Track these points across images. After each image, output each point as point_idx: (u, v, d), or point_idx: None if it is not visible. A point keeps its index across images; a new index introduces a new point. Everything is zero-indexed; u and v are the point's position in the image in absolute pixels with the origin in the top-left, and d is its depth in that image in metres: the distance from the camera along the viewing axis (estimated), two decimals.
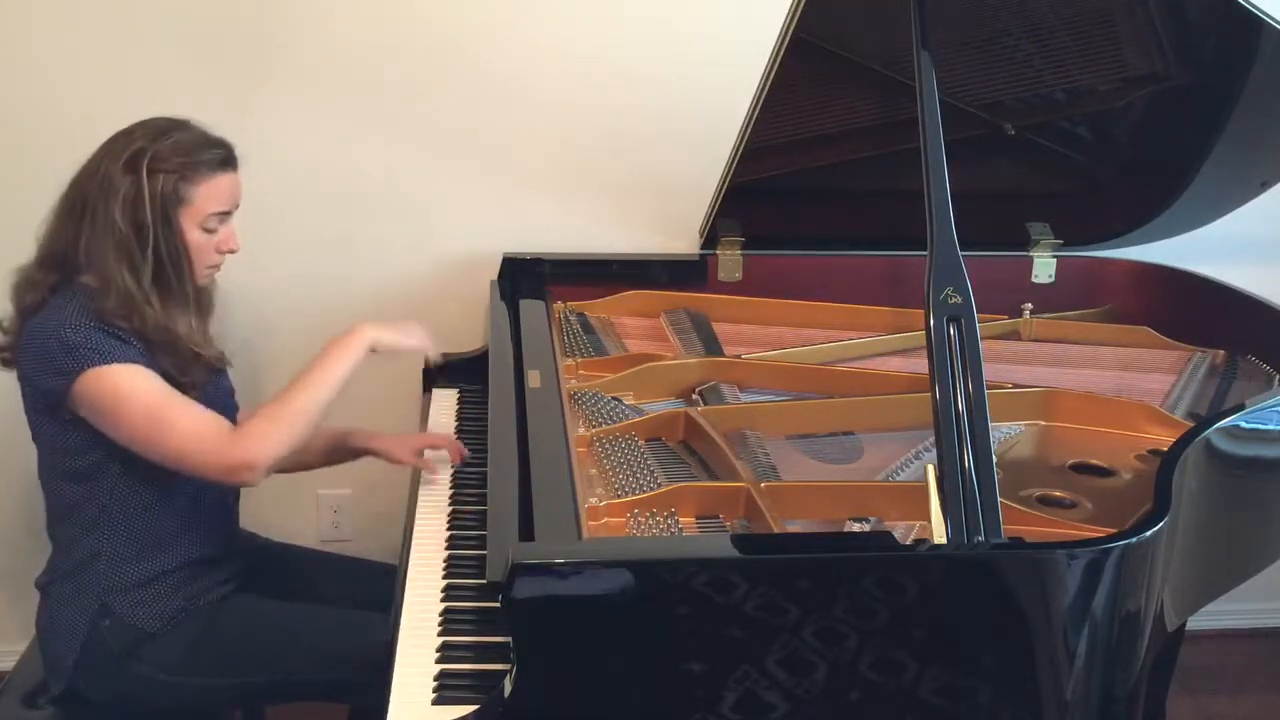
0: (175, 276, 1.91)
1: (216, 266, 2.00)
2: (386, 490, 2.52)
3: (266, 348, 2.72)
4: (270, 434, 1.87)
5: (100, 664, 1.94)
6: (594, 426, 2.02)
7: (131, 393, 1.84)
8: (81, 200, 1.89)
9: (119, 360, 1.84)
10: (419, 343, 2.11)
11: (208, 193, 1.91)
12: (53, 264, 1.92)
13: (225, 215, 1.96)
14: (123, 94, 2.56)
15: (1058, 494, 1.93)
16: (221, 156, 1.94)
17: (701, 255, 2.64)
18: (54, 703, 1.96)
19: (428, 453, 2.18)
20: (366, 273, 2.74)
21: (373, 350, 2.02)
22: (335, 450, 2.27)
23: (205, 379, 1.98)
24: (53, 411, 1.89)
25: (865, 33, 2.21)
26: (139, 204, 1.86)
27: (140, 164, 1.87)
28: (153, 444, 1.86)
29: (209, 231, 1.94)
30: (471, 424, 2.37)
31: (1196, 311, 2.56)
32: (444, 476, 2.18)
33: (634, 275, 2.62)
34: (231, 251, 2.00)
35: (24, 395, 1.93)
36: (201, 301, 2.00)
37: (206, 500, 2.02)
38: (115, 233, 1.86)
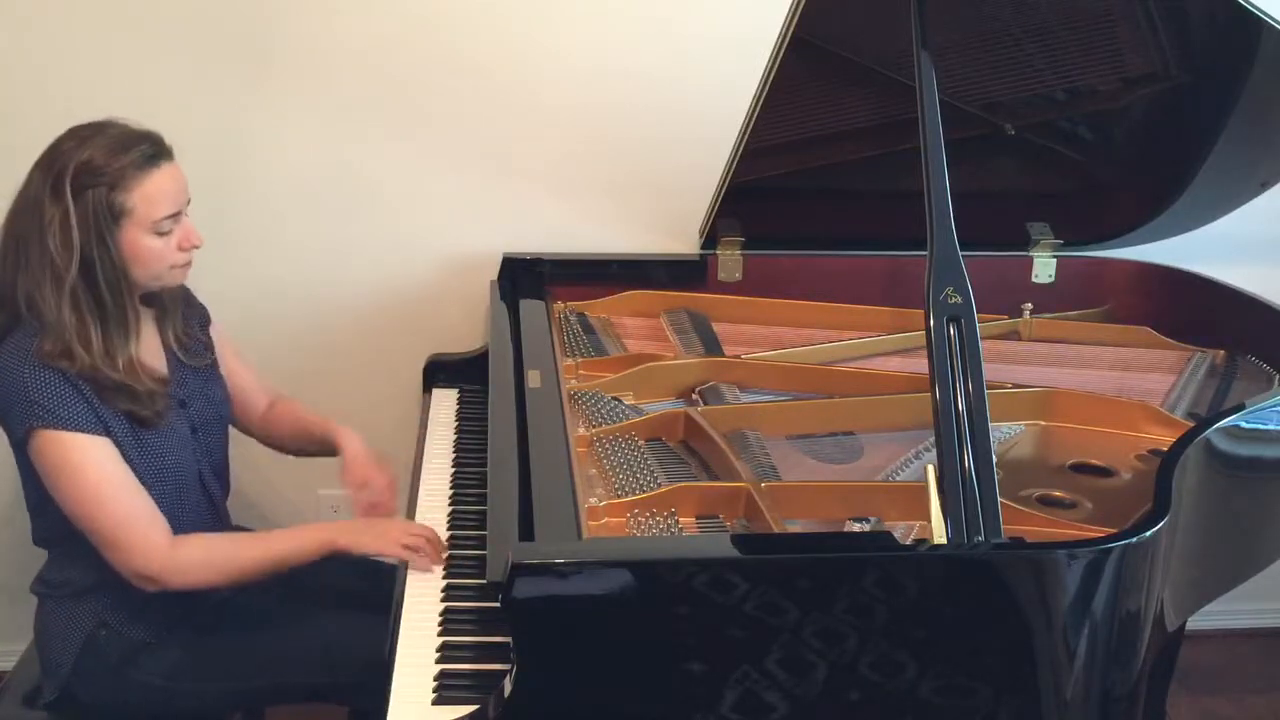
0: (114, 300, 1.82)
1: (182, 266, 1.90)
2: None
3: (265, 348, 2.72)
4: (196, 573, 1.83)
5: (97, 671, 1.93)
6: (594, 426, 2.02)
7: (77, 470, 1.78)
8: (15, 234, 1.81)
9: (76, 427, 1.78)
10: (400, 555, 1.87)
11: (145, 195, 1.81)
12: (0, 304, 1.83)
13: (176, 216, 1.86)
14: (122, 94, 2.56)
15: (1058, 494, 1.93)
16: (149, 152, 1.82)
17: (701, 255, 2.64)
18: (50, 707, 1.95)
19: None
20: (366, 273, 2.74)
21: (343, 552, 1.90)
22: (310, 443, 2.24)
23: (166, 406, 1.90)
24: (23, 450, 1.84)
25: (865, 33, 2.21)
26: (68, 229, 1.77)
27: (63, 187, 1.77)
28: (84, 521, 1.81)
29: (164, 234, 1.84)
30: (471, 424, 2.37)
31: (1196, 311, 2.56)
32: (444, 476, 2.18)
33: (634, 275, 2.62)
34: (196, 246, 1.90)
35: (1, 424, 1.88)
36: (161, 309, 1.92)
37: (188, 517, 1.96)
38: (51, 266, 1.77)
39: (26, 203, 1.81)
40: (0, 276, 1.83)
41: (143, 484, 1.85)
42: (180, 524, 1.90)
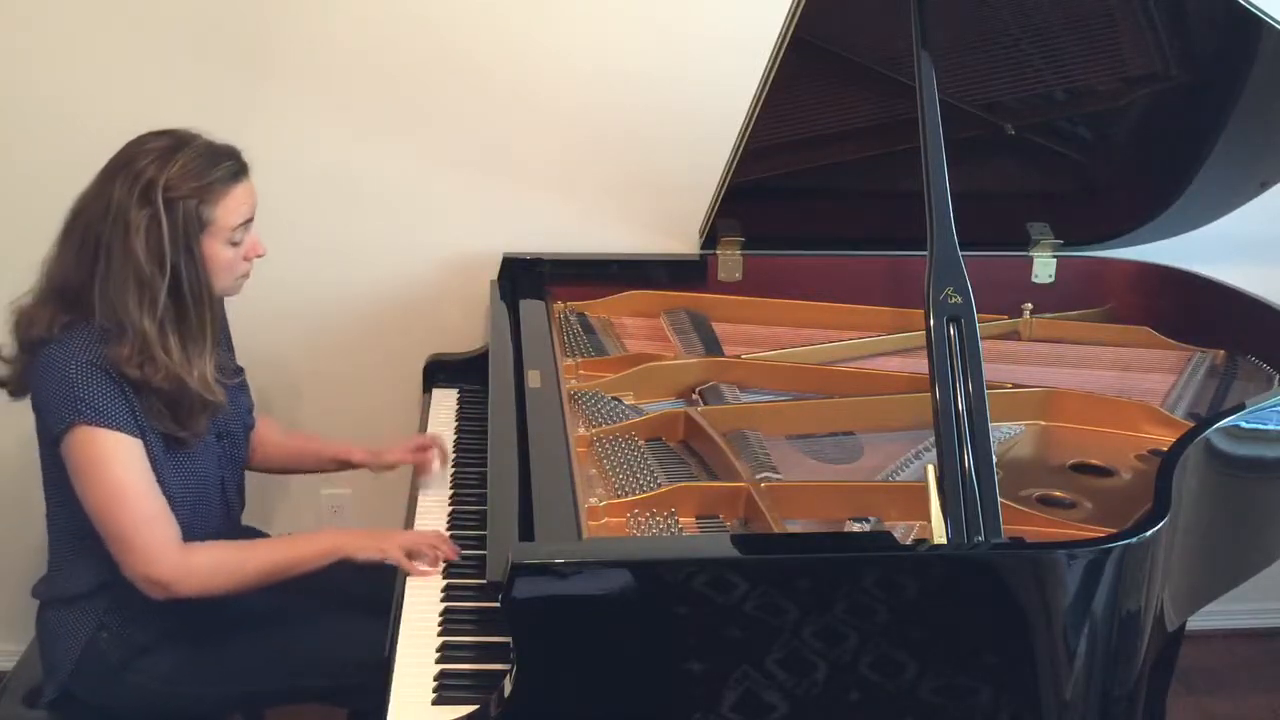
0: (196, 310, 1.85)
1: (246, 274, 1.96)
2: (386, 490, 2.52)
3: (264, 348, 2.72)
4: (203, 579, 1.84)
5: (97, 673, 1.93)
6: (594, 426, 2.02)
7: (107, 467, 1.80)
8: (94, 238, 1.81)
9: (115, 425, 1.80)
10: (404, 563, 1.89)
11: (227, 208, 1.86)
12: (61, 303, 1.84)
13: (247, 224, 1.91)
14: (123, 94, 2.57)
15: (1058, 494, 1.93)
16: (234, 169, 1.88)
17: (701, 255, 2.64)
18: (51, 707, 1.95)
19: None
20: (366, 273, 2.74)
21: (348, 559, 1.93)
22: (323, 464, 2.29)
23: (205, 429, 1.92)
24: (57, 446, 1.85)
25: (865, 33, 2.21)
26: (159, 239, 1.79)
27: (155, 196, 1.79)
28: (102, 520, 1.81)
29: (235, 244, 1.89)
30: (471, 424, 2.37)
31: (1196, 311, 2.56)
32: (444, 478, 2.18)
33: (634, 275, 2.62)
34: (260, 256, 1.96)
35: (36, 420, 1.89)
36: (217, 331, 1.94)
37: (206, 525, 1.97)
38: (136, 272, 1.79)
39: (106, 206, 1.81)
40: (76, 275, 1.84)
41: (167, 490, 1.87)
42: (195, 532, 1.90)
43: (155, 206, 1.79)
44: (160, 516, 1.83)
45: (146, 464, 1.84)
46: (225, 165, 1.87)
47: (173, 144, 1.85)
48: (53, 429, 1.82)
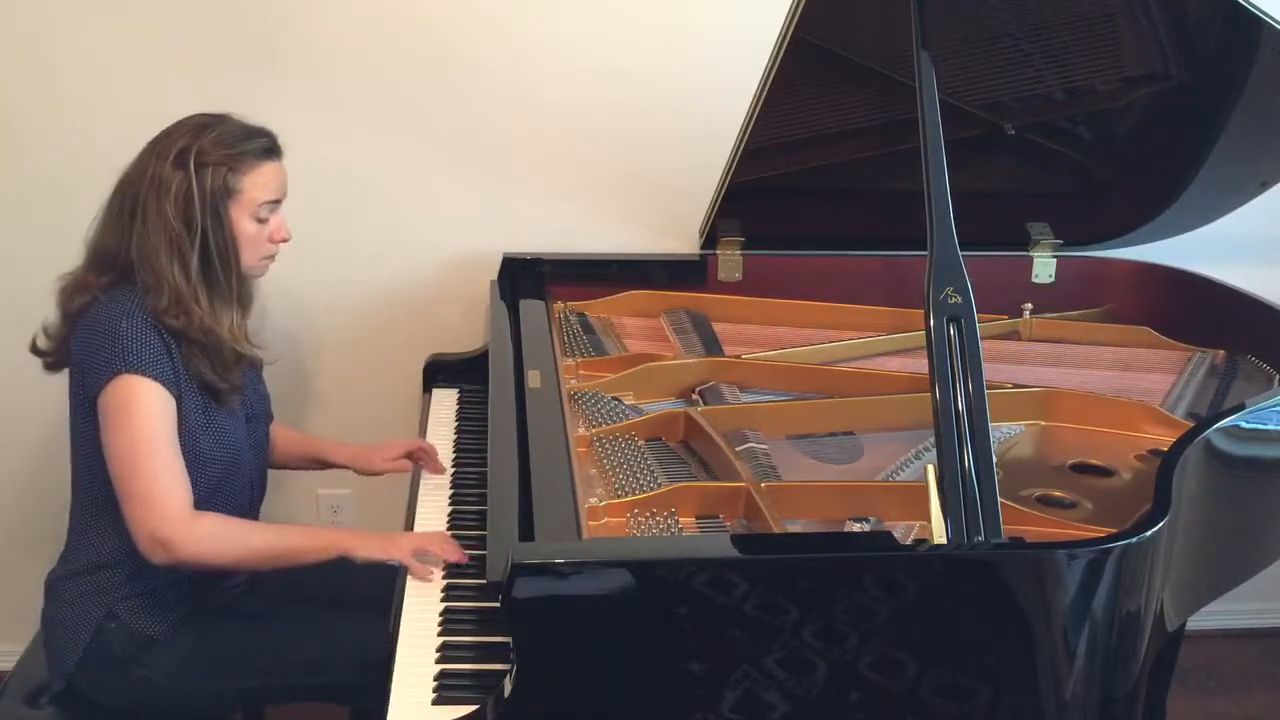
0: (223, 271, 1.93)
1: (271, 256, 2.03)
2: (386, 490, 2.52)
3: (264, 348, 2.72)
4: (206, 546, 1.85)
5: (102, 666, 1.93)
6: (594, 426, 2.02)
7: (142, 414, 1.84)
8: (131, 201, 1.91)
9: (155, 376, 1.86)
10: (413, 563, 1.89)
11: (255, 182, 1.94)
12: (103, 266, 1.93)
13: (275, 204, 1.99)
14: (123, 94, 2.57)
15: (1058, 494, 1.93)
16: (265, 145, 1.96)
17: (701, 255, 2.64)
18: (54, 701, 1.96)
19: (423, 478, 2.18)
20: (366, 273, 2.74)
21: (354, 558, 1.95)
22: (303, 462, 2.31)
23: (242, 381, 1.99)
24: (93, 405, 1.89)
25: (865, 33, 2.21)
26: (189, 199, 1.89)
27: (188, 160, 1.89)
28: (122, 465, 1.84)
29: (261, 221, 1.97)
30: (471, 424, 2.37)
31: (1196, 311, 2.56)
32: (444, 476, 2.18)
33: (634, 275, 2.62)
34: (285, 240, 2.02)
35: (71, 386, 1.94)
36: (244, 297, 2.01)
37: (232, 503, 2.00)
38: (167, 229, 1.88)
39: (144, 173, 1.91)
40: (113, 238, 1.92)
41: (201, 449, 1.92)
42: (219, 504, 1.94)
43: (187, 170, 1.89)
44: (177, 475, 1.86)
45: (174, 424, 1.89)
46: (258, 140, 1.96)
47: (210, 120, 1.96)
48: (95, 382, 1.86)
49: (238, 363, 1.96)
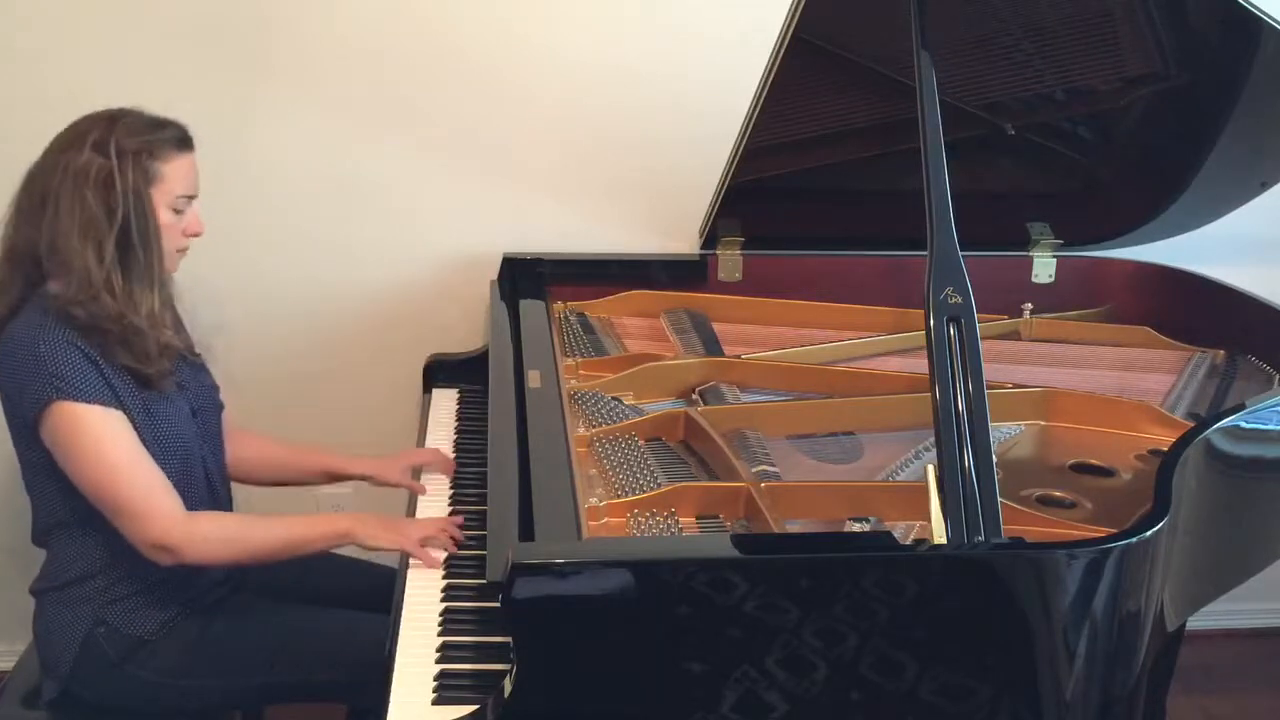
0: (144, 255, 1.87)
1: (184, 250, 1.98)
2: (386, 490, 2.52)
3: (265, 348, 2.72)
4: (211, 546, 1.85)
5: (96, 669, 1.93)
6: (594, 426, 2.02)
7: (95, 441, 1.82)
8: (40, 193, 1.86)
9: (94, 399, 1.82)
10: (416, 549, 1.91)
11: (173, 171, 1.90)
12: (13, 265, 1.89)
13: (190, 198, 1.95)
14: (124, 95, 2.55)
15: (1058, 494, 1.93)
16: (179, 135, 1.93)
17: (701, 255, 2.64)
18: (50, 706, 1.95)
19: (424, 476, 2.16)
20: (366, 273, 2.74)
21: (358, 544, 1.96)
22: (313, 476, 2.28)
23: (171, 367, 1.94)
24: (29, 430, 1.86)
25: (865, 33, 2.21)
26: (110, 184, 1.84)
27: (107, 145, 1.85)
28: (100, 491, 1.83)
29: (177, 213, 1.93)
30: (471, 424, 2.37)
31: (1196, 311, 2.56)
32: (444, 477, 2.18)
33: (634, 275, 2.62)
34: (197, 234, 1.98)
35: (4, 409, 1.91)
36: (165, 288, 1.95)
37: (192, 497, 1.96)
38: (84, 215, 1.83)
39: (55, 164, 1.87)
40: (22, 233, 1.88)
41: (153, 457, 1.88)
42: (187, 505, 1.90)
43: (108, 156, 1.85)
44: (160, 485, 1.85)
45: (134, 436, 1.85)
46: (171, 130, 1.93)
47: (115, 112, 1.92)
48: (29, 411, 1.83)
49: (162, 352, 1.90)
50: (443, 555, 1.89)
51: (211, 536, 1.86)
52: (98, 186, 1.84)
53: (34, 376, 1.81)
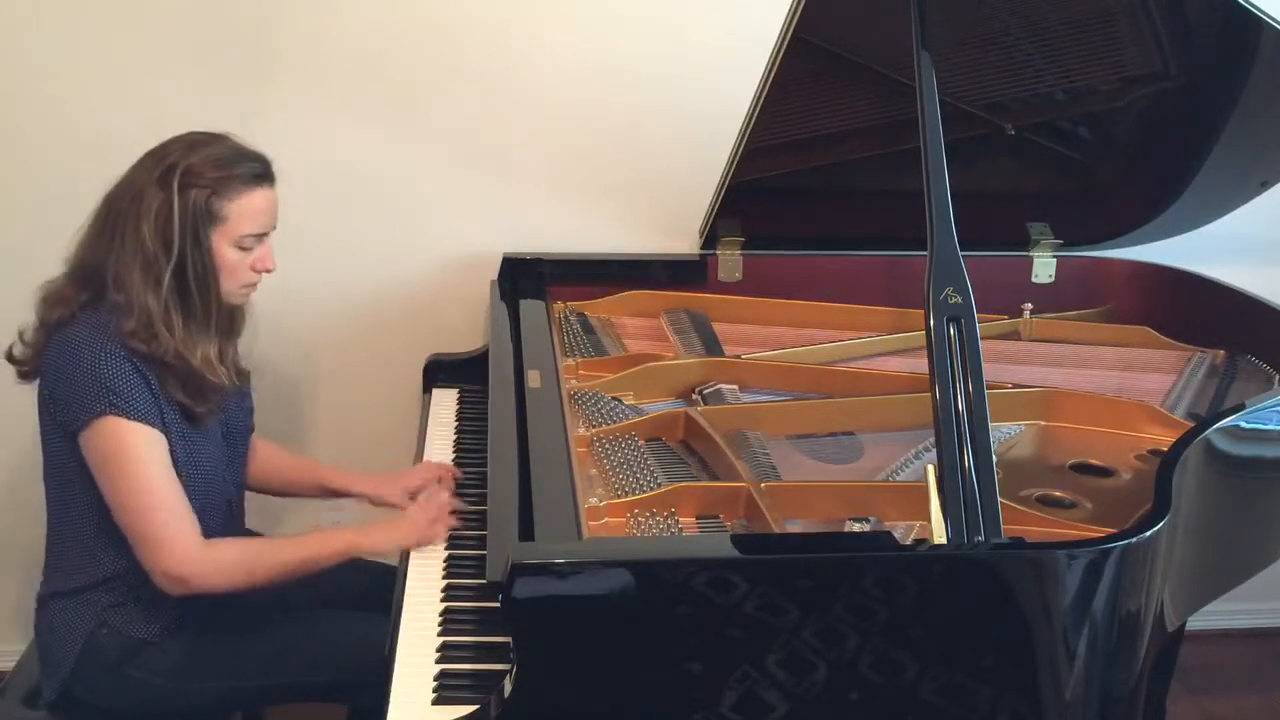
0: (200, 299, 1.87)
1: (253, 285, 1.96)
2: None
3: (265, 348, 2.72)
4: (227, 577, 1.86)
5: (97, 671, 1.93)
6: (594, 426, 2.02)
7: (137, 461, 1.82)
8: (113, 217, 1.85)
9: (142, 418, 1.82)
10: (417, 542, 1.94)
11: (241, 210, 1.87)
12: (81, 280, 1.88)
13: (262, 236, 1.93)
14: (124, 96, 2.57)
15: (1058, 494, 1.93)
16: (257, 170, 1.90)
17: (701, 255, 2.64)
18: (50, 707, 1.95)
19: (422, 497, 2.11)
20: (366, 273, 2.74)
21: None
22: (312, 491, 2.28)
23: (219, 406, 1.94)
24: (67, 432, 1.86)
25: (865, 33, 2.21)
26: (169, 221, 1.82)
27: (172, 180, 1.83)
28: (127, 513, 1.83)
29: (244, 250, 1.90)
30: (471, 424, 2.37)
31: (1196, 311, 2.56)
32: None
33: (634, 275, 2.62)
34: (268, 270, 1.96)
35: (41, 403, 1.90)
36: (227, 323, 1.96)
37: (212, 521, 1.97)
38: (143, 250, 1.82)
39: (129, 188, 1.86)
40: (92, 252, 1.88)
41: (181, 482, 1.88)
42: (205, 530, 1.91)
43: (169, 190, 1.83)
44: (184, 513, 1.85)
45: (169, 460, 1.86)
46: (249, 165, 1.89)
47: (205, 138, 1.89)
48: (77, 418, 1.83)
49: (213, 391, 1.91)
50: (444, 533, 1.93)
51: (227, 565, 1.86)
52: (156, 220, 1.83)
53: (89, 385, 1.81)
